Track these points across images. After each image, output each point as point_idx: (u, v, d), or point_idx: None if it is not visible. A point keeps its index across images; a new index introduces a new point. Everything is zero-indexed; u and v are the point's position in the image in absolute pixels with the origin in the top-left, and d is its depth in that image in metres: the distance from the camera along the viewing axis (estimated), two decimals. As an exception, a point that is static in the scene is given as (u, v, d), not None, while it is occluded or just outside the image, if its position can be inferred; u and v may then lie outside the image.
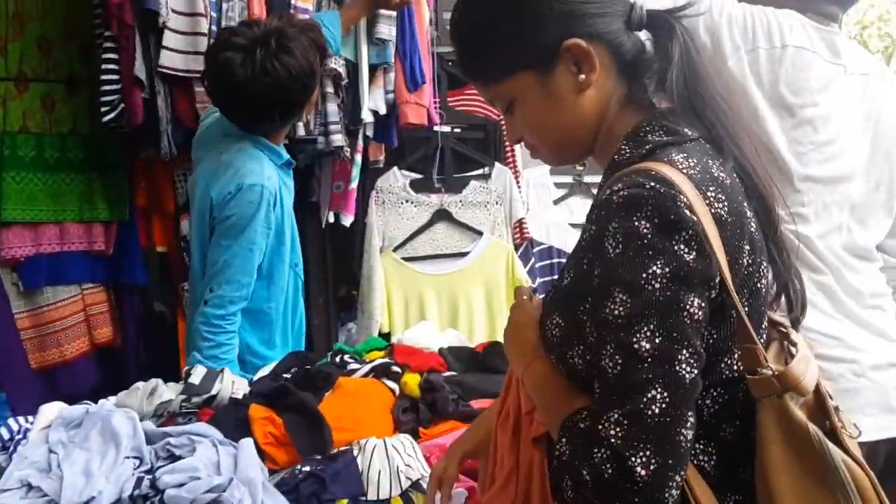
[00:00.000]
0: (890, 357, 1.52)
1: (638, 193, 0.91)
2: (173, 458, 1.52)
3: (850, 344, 1.47)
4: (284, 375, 1.99)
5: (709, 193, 0.95)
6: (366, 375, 1.99)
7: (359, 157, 2.80)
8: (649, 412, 0.85)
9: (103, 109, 2.37)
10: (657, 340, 0.87)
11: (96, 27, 2.61)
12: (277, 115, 2.12)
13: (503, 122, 3.31)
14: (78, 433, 1.57)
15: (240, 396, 1.80)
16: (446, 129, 3.18)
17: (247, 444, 1.55)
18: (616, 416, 0.86)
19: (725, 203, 0.96)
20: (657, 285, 0.87)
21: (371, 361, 2.09)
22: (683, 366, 0.87)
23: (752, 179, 1.04)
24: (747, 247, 0.98)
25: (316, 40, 2.14)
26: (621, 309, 0.88)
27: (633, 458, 0.84)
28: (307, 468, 1.59)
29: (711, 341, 0.94)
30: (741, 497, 0.97)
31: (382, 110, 2.75)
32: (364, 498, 1.56)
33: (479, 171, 3.26)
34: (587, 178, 3.53)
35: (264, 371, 2.06)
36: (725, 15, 1.53)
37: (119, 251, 2.82)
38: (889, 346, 1.54)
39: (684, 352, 0.87)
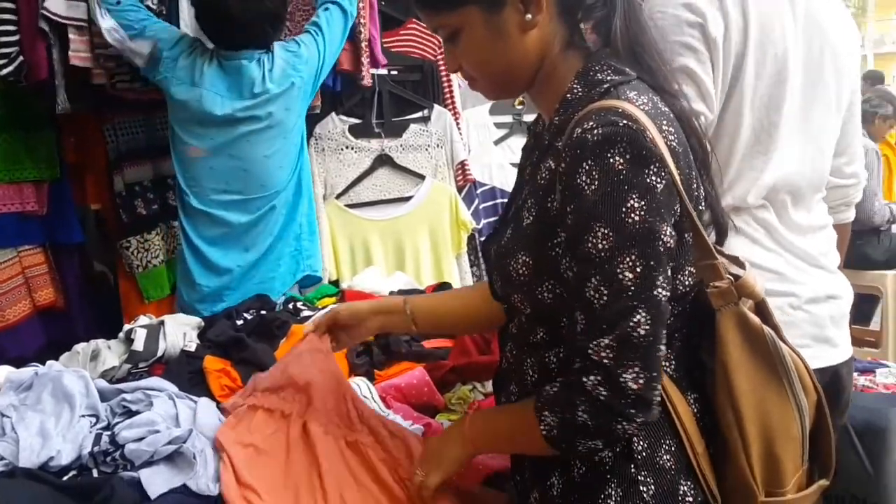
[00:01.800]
0: (827, 289, 1.56)
1: (613, 131, 0.96)
2: (130, 413, 1.52)
3: (789, 277, 1.51)
4: (238, 322, 2.00)
5: (663, 126, 1.02)
6: (318, 322, 2.00)
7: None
8: (636, 334, 0.95)
9: (0, 62, 2.27)
10: (638, 269, 0.95)
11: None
12: (270, 30, 2.34)
13: (441, 62, 3.30)
14: (29, 396, 1.55)
15: (192, 349, 1.79)
16: (383, 71, 3.15)
17: (204, 401, 1.55)
18: (606, 341, 0.96)
19: (675, 135, 1.04)
20: (636, 218, 0.95)
21: (323, 308, 2.12)
22: (660, 290, 0.97)
23: (685, 115, 1.10)
24: (694, 172, 1.06)
25: None
26: (604, 243, 0.95)
27: (624, 376, 0.95)
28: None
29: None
30: (698, 395, 1.10)
31: None
32: (323, 440, 1.59)
33: (419, 114, 3.24)
34: (527, 117, 3.54)
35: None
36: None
37: (53, 211, 2.71)
38: (827, 276, 1.58)
39: (660, 277, 0.97)
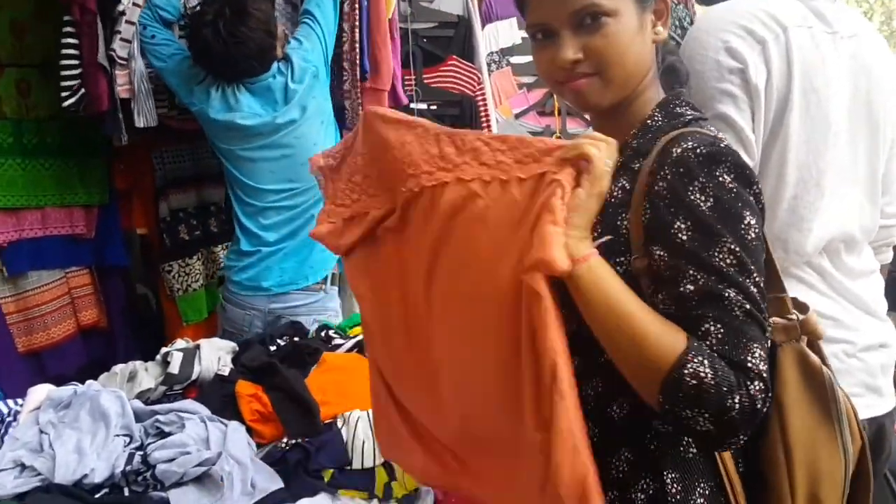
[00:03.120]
0: (879, 337, 1.52)
1: (717, 150, 0.99)
2: (163, 434, 1.57)
3: (845, 324, 1.48)
4: (272, 348, 2.05)
5: None
6: (350, 350, 2.05)
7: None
8: (769, 343, 0.97)
9: (63, 94, 2.38)
10: (761, 284, 0.97)
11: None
12: (257, 64, 2.38)
13: (479, 97, 3.35)
14: (67, 413, 1.61)
15: (226, 373, 1.84)
16: (422, 106, 3.20)
17: (234, 425, 1.60)
18: (759, 350, 0.94)
19: None
20: (752, 234, 0.97)
21: (354, 336, 2.15)
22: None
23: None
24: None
25: None
26: (731, 258, 0.95)
27: (769, 384, 0.95)
28: (293, 441, 1.64)
29: None
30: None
31: None
32: (349, 467, 1.62)
33: (457, 148, 3.27)
34: (563, 150, 3.55)
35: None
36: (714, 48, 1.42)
37: (101, 234, 2.82)
38: (879, 324, 1.54)
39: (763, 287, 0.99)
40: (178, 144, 2.90)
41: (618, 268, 1.01)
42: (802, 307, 1.10)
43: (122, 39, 2.36)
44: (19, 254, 2.62)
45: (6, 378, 2.48)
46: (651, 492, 1.02)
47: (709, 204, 0.96)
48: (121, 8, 2.34)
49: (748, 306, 0.94)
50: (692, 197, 0.96)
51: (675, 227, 0.97)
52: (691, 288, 0.96)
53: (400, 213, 1.14)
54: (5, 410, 1.66)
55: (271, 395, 1.74)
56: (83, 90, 2.37)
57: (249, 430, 1.67)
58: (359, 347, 2.03)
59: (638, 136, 1.10)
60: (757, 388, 0.92)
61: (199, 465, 1.46)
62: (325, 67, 2.58)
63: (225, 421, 1.63)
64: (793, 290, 1.27)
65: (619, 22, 1.07)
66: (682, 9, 3.90)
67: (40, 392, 1.70)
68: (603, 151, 0.99)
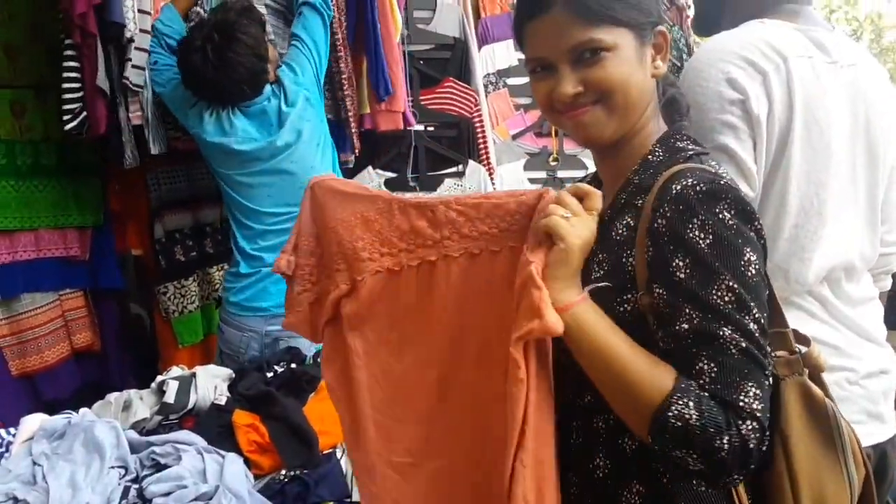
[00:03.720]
0: (880, 363, 1.52)
1: (717, 187, 0.99)
2: (159, 466, 1.54)
3: (846, 352, 1.48)
4: (269, 375, 2.02)
5: None
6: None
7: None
8: (768, 383, 0.96)
9: (65, 118, 2.37)
10: (762, 322, 0.97)
11: (62, 32, 2.59)
12: (248, 89, 2.37)
13: (476, 119, 3.35)
14: (61, 444, 1.59)
15: (223, 402, 1.82)
16: (420, 127, 3.20)
17: (232, 457, 1.57)
18: (753, 389, 0.94)
19: None
20: (753, 271, 0.97)
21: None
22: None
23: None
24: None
25: (252, 16, 2.40)
26: (730, 296, 0.95)
27: (766, 423, 0.95)
28: (292, 472, 1.62)
29: None
30: None
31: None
32: (349, 499, 1.60)
33: (454, 169, 3.27)
34: (560, 174, 3.56)
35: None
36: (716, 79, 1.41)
37: (95, 256, 2.80)
38: (879, 351, 1.54)
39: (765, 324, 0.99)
40: (174, 165, 2.88)
41: (626, 305, 1.02)
42: (804, 340, 1.10)
43: (134, 66, 2.36)
44: (12, 276, 2.60)
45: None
46: None
47: (708, 241, 0.96)
48: (128, 34, 2.32)
49: (744, 344, 0.94)
50: (691, 234, 0.97)
51: (674, 264, 0.98)
52: (686, 326, 0.97)
53: (371, 292, 1.13)
54: (-3, 441, 1.63)
55: (269, 425, 1.72)
56: (84, 113, 2.36)
57: (247, 462, 1.64)
58: (357, 374, 2.01)
59: (639, 172, 1.10)
60: (749, 427, 0.93)
61: (196, 499, 1.44)
62: (318, 90, 2.58)
63: (222, 452, 1.60)
64: (794, 319, 1.26)
65: (617, 55, 1.07)
66: (677, 30, 3.93)
67: (33, 422, 1.67)
68: (577, 227, 1.00)
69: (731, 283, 0.95)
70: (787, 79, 1.41)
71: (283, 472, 1.63)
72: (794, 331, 1.11)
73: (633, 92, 1.09)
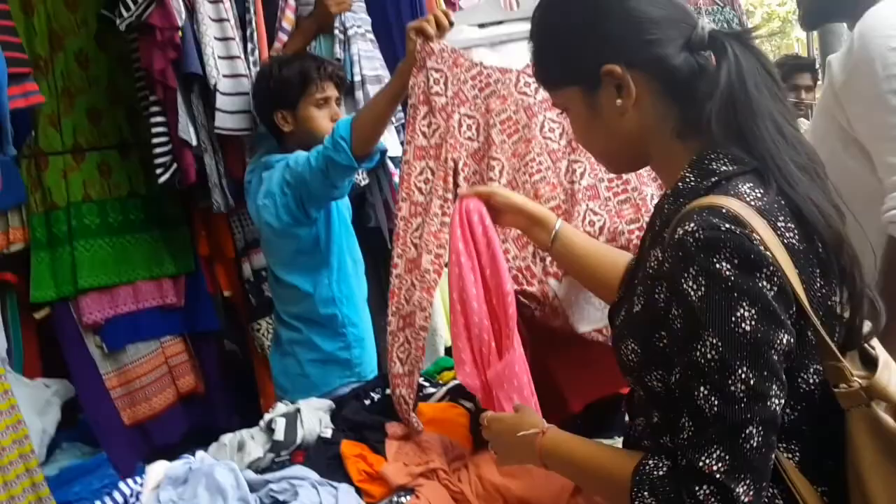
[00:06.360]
0: None
1: (716, 236, 0.93)
2: (277, 503, 1.60)
3: None
4: (366, 401, 2.06)
5: (779, 224, 0.97)
6: (442, 398, 2.05)
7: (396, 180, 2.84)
8: (748, 446, 0.92)
9: (158, 171, 2.50)
10: (751, 382, 0.92)
11: (139, 91, 2.72)
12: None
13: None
14: (186, 490, 1.66)
15: (328, 435, 1.87)
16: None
17: (345, 488, 1.62)
18: (717, 452, 0.92)
19: (796, 231, 0.98)
20: (746, 328, 0.91)
21: (445, 383, 2.16)
22: (773, 399, 0.93)
23: (811, 209, 1.00)
24: (818, 270, 1.00)
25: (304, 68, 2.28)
26: (713, 353, 0.92)
27: (737, 490, 0.91)
28: (405, 497, 1.65)
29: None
30: (827, 488, 1.02)
31: (397, 151, 2.66)
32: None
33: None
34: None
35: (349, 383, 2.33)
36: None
37: (190, 301, 2.93)
38: None
39: (773, 387, 0.93)
40: (254, 206, 2.97)
41: (662, 342, 1.02)
42: (872, 362, 1.02)
43: (221, 111, 2.44)
44: (116, 330, 2.74)
45: (115, 451, 2.58)
46: None
47: (699, 294, 0.93)
48: (213, 82, 2.41)
49: (716, 409, 0.92)
50: (685, 285, 0.94)
51: (672, 313, 0.97)
52: (675, 378, 0.98)
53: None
54: (127, 492, 1.71)
55: (377, 450, 1.76)
56: (175, 165, 2.48)
57: (358, 491, 1.68)
58: (451, 395, 2.03)
59: (670, 200, 1.09)
60: (706, 491, 0.92)
61: (317, 531, 1.48)
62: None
63: (335, 484, 1.65)
64: None
65: (573, 113, 1.13)
66: (728, 10, 3.84)
67: (158, 469, 1.75)
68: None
69: (714, 341, 0.92)
70: None
71: (394, 497, 1.67)
72: (864, 352, 1.03)
73: (600, 142, 1.13)
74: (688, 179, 1.05)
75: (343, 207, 2.43)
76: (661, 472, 0.99)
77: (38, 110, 2.51)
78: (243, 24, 2.54)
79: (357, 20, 2.59)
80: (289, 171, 2.16)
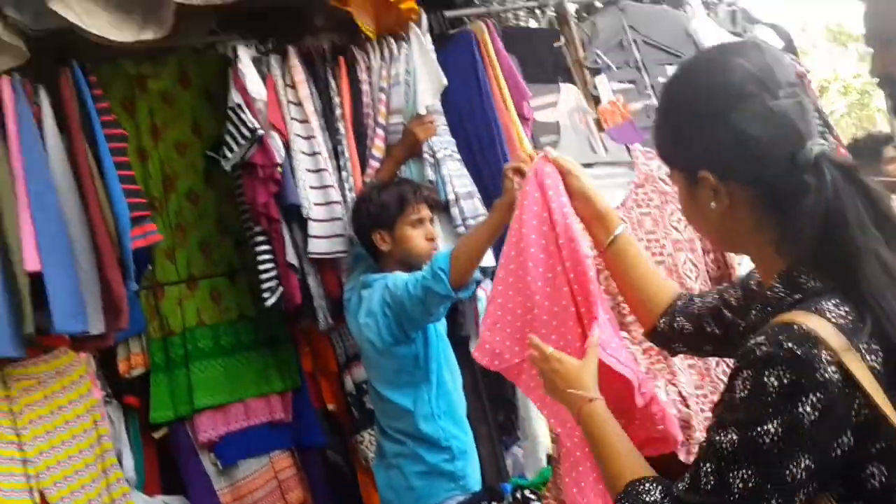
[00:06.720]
0: None
1: (775, 353, 0.94)
2: None
3: None
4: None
5: (861, 346, 0.95)
6: (547, 510, 2.06)
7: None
8: None
9: (265, 295, 2.67)
10: (750, 485, 0.95)
11: (244, 222, 2.94)
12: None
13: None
14: None
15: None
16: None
17: None
18: None
19: (881, 353, 0.96)
20: (767, 440, 0.94)
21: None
22: None
23: None
24: None
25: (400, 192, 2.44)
26: (729, 445, 0.97)
27: None
28: None
29: (859, 453, 0.96)
30: None
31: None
32: None
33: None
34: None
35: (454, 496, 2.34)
36: None
37: (296, 416, 3.04)
38: None
39: (773, 501, 0.94)
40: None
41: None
42: None
43: (316, 238, 2.61)
44: (229, 446, 2.87)
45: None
46: None
47: (742, 395, 0.97)
48: (305, 213, 2.59)
49: (710, 486, 0.98)
50: (737, 382, 0.99)
51: (725, 396, 1.02)
52: (699, 446, 1.05)
53: None
54: None
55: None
56: (281, 289, 2.65)
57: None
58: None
59: (758, 308, 1.14)
60: None
61: None
62: None
63: None
64: None
65: (679, 191, 1.19)
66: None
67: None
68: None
69: (733, 437, 0.96)
70: None
71: None
72: None
73: (698, 224, 1.19)
74: (776, 290, 1.06)
75: (439, 323, 2.52)
76: (648, 499, 1.07)
77: (156, 245, 2.74)
78: (336, 154, 2.73)
79: (444, 143, 2.75)
80: (388, 294, 2.28)
